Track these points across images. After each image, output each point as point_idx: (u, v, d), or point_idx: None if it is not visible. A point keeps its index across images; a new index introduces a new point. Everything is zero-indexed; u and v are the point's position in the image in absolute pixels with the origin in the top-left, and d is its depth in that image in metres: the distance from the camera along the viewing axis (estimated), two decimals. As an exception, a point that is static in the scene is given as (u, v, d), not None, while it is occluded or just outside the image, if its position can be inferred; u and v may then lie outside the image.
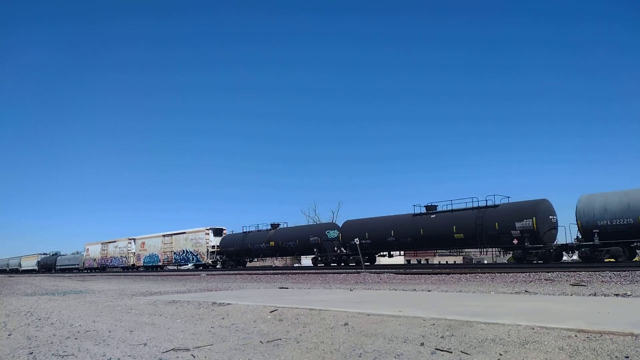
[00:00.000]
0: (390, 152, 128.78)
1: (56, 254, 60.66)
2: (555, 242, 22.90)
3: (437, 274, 16.56)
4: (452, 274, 15.98)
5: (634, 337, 4.00)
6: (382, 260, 32.66)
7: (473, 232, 23.62)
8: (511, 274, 14.73)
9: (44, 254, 63.46)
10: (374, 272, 19.31)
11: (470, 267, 21.10)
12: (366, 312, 6.14)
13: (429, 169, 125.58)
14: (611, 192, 21.02)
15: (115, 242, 48.20)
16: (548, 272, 14.37)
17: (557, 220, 23.13)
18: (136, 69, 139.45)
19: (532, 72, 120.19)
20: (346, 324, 5.52)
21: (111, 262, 47.79)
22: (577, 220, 21.45)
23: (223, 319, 6.71)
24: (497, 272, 15.76)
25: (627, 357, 3.59)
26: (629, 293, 8.25)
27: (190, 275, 28.44)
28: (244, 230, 36.23)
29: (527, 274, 14.43)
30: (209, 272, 30.69)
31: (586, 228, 20.92)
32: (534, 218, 21.71)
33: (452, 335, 4.58)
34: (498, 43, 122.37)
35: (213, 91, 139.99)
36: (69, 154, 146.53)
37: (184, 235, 39.59)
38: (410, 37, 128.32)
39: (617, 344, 3.87)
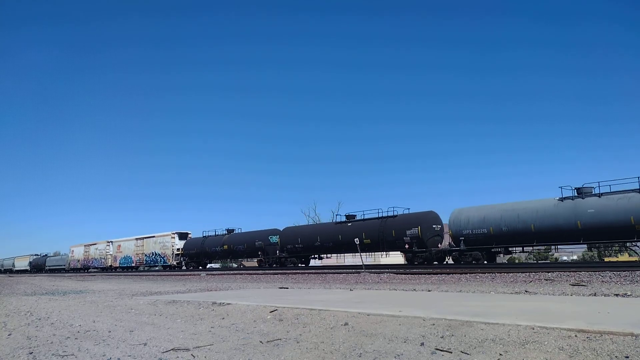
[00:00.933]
0: (390, 152, 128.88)
1: (46, 255, 64.70)
2: (439, 247, 26.63)
3: (437, 274, 16.56)
4: (452, 274, 15.98)
5: (634, 337, 4.00)
6: (314, 262, 36.40)
7: (377, 239, 27.72)
8: (511, 274, 14.72)
9: (35, 255, 66.90)
10: (374, 272, 19.32)
11: (470, 267, 21.12)
12: (366, 312, 6.14)
13: (429, 169, 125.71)
14: (473, 207, 24.83)
15: (95, 244, 51.71)
16: (548, 272, 14.37)
17: (441, 229, 27.08)
18: (136, 69, 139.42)
19: (532, 72, 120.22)
20: (346, 323, 5.52)
21: (92, 263, 51.58)
22: (449, 230, 25.37)
23: (223, 319, 6.71)
24: (497, 272, 15.76)
25: (627, 357, 3.58)
26: (629, 293, 8.24)
27: (190, 275, 28.45)
28: (204, 235, 39.79)
29: (527, 274, 14.43)
30: (209, 272, 30.75)
31: (455, 236, 24.75)
32: (419, 227, 25.80)
33: (452, 335, 4.58)
34: (498, 43, 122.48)
35: (213, 91, 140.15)
36: (69, 154, 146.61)
37: (153, 239, 43.47)
38: (410, 37, 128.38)
39: (617, 344, 3.87)
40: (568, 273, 13.86)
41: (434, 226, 26.53)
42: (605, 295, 8.00)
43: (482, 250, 23.72)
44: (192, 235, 42.44)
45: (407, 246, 25.96)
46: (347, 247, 29.15)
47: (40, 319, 7.90)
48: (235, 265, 42.42)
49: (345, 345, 4.59)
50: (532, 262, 42.96)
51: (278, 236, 33.52)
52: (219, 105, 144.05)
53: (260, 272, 26.54)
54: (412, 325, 5.18)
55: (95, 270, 50.07)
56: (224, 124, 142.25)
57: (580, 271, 14.25)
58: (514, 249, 24.22)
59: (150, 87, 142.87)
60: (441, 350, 4.11)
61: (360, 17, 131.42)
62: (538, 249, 28.17)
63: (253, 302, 8.05)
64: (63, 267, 57.18)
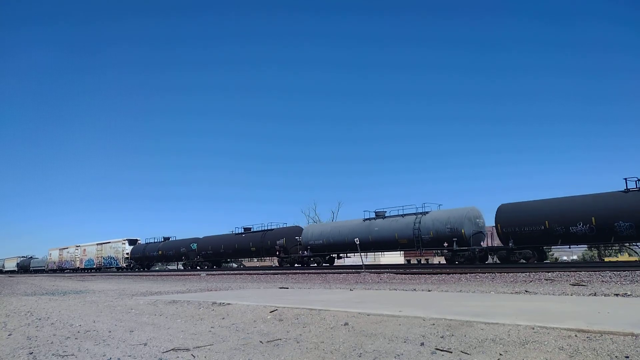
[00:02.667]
0: (390, 152, 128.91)
1: (31, 257, 71.10)
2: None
3: (437, 274, 16.57)
4: (452, 274, 15.98)
5: (634, 337, 4.00)
6: (225, 264, 42.83)
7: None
8: (511, 274, 14.73)
9: (22, 257, 73.41)
10: (374, 272, 19.32)
11: (470, 267, 21.12)
12: (366, 312, 6.14)
13: (428, 169, 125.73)
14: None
15: (67, 248, 58.08)
16: (548, 272, 14.37)
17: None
18: (136, 69, 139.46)
19: (532, 72, 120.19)
20: (346, 323, 5.52)
21: (64, 264, 57.61)
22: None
23: (223, 319, 6.71)
24: (497, 272, 15.76)
25: (627, 357, 3.58)
26: (629, 293, 8.25)
27: (190, 275, 28.47)
28: (147, 242, 47.07)
29: (527, 274, 14.43)
30: (209, 272, 30.77)
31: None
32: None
33: (452, 335, 4.58)
34: (498, 43, 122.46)
35: (213, 91, 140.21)
36: (68, 154, 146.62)
37: (109, 244, 50.25)
38: (411, 37, 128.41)
39: (617, 344, 3.87)
40: (568, 273, 13.86)
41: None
42: (605, 295, 8.00)
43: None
44: (141, 241, 49.28)
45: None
46: (258, 253, 35.41)
47: (40, 319, 7.90)
48: (235, 265, 43.99)
49: (346, 345, 4.59)
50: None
51: (196, 244, 40.37)
52: (219, 105, 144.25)
53: (260, 272, 26.55)
54: (412, 325, 5.18)
55: (69, 271, 55.31)
56: (224, 124, 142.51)
57: (580, 271, 14.26)
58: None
59: (150, 87, 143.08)
60: (441, 350, 4.11)
61: (360, 17, 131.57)
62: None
63: (253, 302, 8.05)
64: (43, 268, 62.79)
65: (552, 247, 23.35)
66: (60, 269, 57.49)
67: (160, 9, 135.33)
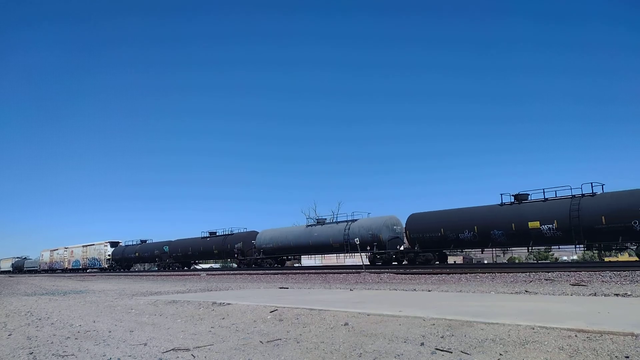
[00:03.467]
0: (391, 152, 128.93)
1: (25, 258, 74.05)
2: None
3: (437, 274, 16.57)
4: (452, 274, 15.98)
5: (634, 337, 3.99)
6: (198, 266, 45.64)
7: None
8: (511, 274, 14.73)
9: (17, 257, 76.43)
10: (374, 272, 19.32)
11: (470, 267, 21.12)
12: (366, 312, 6.14)
13: (429, 168, 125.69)
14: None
15: (57, 250, 61.20)
16: (548, 272, 14.37)
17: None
18: (136, 69, 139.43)
19: (532, 72, 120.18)
20: (346, 324, 5.52)
21: (54, 265, 60.59)
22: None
23: (223, 319, 6.71)
24: (497, 272, 15.76)
25: (627, 357, 3.58)
26: (629, 293, 8.24)
27: (190, 275, 28.48)
28: (126, 244, 50.50)
29: (527, 274, 14.43)
30: (209, 272, 30.81)
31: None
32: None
33: (452, 335, 4.58)
34: (498, 43, 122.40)
35: (213, 91, 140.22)
36: (65, 155, 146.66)
37: (93, 246, 54.03)
38: (411, 37, 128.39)
39: (617, 344, 3.87)
40: (568, 273, 13.86)
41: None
42: (605, 295, 8.00)
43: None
44: (122, 243, 52.70)
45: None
46: (220, 255, 39.71)
47: (40, 319, 7.90)
48: (235, 265, 44.45)
49: (346, 345, 4.59)
50: (532, 262, 42.99)
51: (168, 247, 43.85)
52: (219, 105, 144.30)
53: (260, 272, 26.55)
54: (412, 325, 5.18)
55: (59, 271, 58.20)
56: (223, 124, 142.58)
57: (581, 271, 14.25)
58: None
59: (150, 87, 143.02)
60: (441, 350, 4.11)
61: (361, 18, 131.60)
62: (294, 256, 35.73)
63: (253, 302, 8.05)
64: (36, 268, 65.56)
65: (448, 250, 26.33)
66: (52, 269, 60.54)
67: (161, 9, 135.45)
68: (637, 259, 19.35)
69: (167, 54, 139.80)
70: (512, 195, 23.02)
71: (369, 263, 27.89)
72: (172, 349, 4.88)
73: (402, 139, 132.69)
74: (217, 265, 51.46)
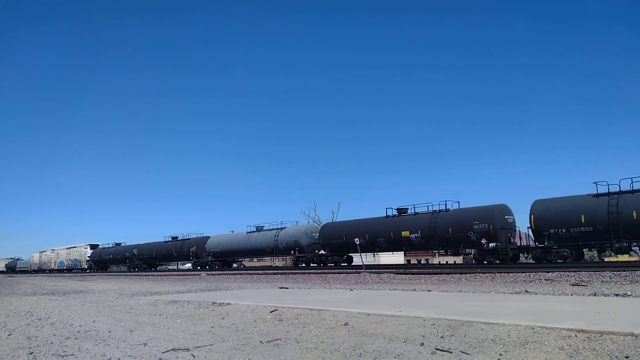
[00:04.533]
0: (391, 152, 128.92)
1: (17, 259, 77.77)
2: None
3: (437, 274, 16.57)
4: (452, 274, 15.98)
5: (634, 337, 3.99)
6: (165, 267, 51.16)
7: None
8: (511, 274, 14.73)
9: (10, 258, 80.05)
10: (374, 272, 19.32)
11: (470, 267, 21.13)
12: (366, 312, 6.14)
13: (429, 168, 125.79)
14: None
15: (45, 251, 64.99)
16: (548, 272, 14.37)
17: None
18: (136, 69, 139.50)
19: (532, 72, 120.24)
20: (346, 323, 5.52)
21: (43, 266, 64.21)
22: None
23: (223, 319, 6.71)
24: (497, 272, 15.77)
25: (627, 357, 3.58)
26: (629, 293, 8.24)
27: (190, 275, 28.49)
28: (103, 247, 55.42)
29: (527, 274, 14.43)
30: (209, 272, 30.84)
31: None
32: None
33: (452, 335, 4.58)
34: (498, 43, 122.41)
35: (212, 91, 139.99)
36: (66, 154, 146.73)
37: (75, 248, 58.53)
38: (411, 37, 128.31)
39: (617, 344, 3.87)
40: (568, 273, 13.86)
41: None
42: (605, 295, 8.00)
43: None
44: (101, 245, 57.48)
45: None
46: (178, 257, 44.29)
47: (40, 319, 7.90)
48: (235, 265, 45.02)
49: (346, 345, 4.59)
50: (531, 262, 42.93)
51: (137, 249, 47.97)
52: (219, 105, 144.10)
53: (260, 272, 26.58)
54: (412, 325, 5.18)
55: (47, 271, 61.35)
56: (223, 124, 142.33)
57: (581, 271, 14.25)
58: None
59: (150, 87, 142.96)
60: (441, 350, 4.11)
61: (361, 18, 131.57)
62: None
63: (253, 302, 8.05)
64: (27, 268, 69.05)
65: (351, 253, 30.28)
66: (41, 270, 64.06)
67: (161, 9, 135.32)
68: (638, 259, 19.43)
69: (167, 54, 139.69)
70: (395, 209, 27.82)
71: (292, 264, 33.48)
72: (172, 349, 4.88)
73: (402, 139, 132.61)
74: (174, 267, 54.91)
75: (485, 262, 22.99)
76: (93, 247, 56.20)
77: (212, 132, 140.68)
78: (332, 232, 30.70)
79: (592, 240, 20.35)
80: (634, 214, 18.82)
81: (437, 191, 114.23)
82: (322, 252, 30.83)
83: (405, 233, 26.02)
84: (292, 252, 32.47)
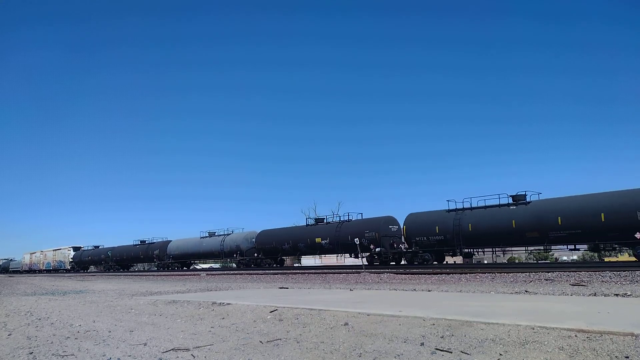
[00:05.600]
0: (391, 152, 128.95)
1: (10, 259, 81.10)
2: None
3: (437, 274, 16.57)
4: (452, 274, 15.98)
5: (634, 337, 3.99)
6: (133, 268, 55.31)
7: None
8: (511, 274, 14.73)
9: (4, 259, 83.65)
10: (374, 272, 19.32)
11: (470, 267, 21.14)
12: (366, 312, 6.14)
13: (429, 168, 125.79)
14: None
15: (35, 253, 69.15)
16: (548, 272, 14.37)
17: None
18: (136, 69, 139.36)
19: (532, 72, 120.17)
20: (346, 323, 5.52)
21: (33, 266, 68.23)
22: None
23: (223, 319, 6.71)
24: (497, 272, 15.76)
25: (627, 357, 3.58)
26: (629, 293, 8.24)
27: (190, 275, 28.49)
28: (84, 249, 59.74)
29: (527, 274, 14.43)
30: (209, 272, 30.89)
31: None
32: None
33: (452, 335, 4.58)
34: (498, 43, 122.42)
35: (212, 91, 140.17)
36: (66, 155, 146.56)
37: (60, 250, 63.03)
38: (411, 37, 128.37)
39: (617, 344, 3.87)
40: (568, 273, 13.86)
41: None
42: (605, 295, 8.00)
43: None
44: (84, 247, 61.58)
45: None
46: (143, 259, 49.11)
47: (40, 319, 7.90)
48: (234, 265, 45.75)
49: (346, 345, 4.59)
50: (532, 262, 43.02)
51: (111, 252, 52.57)
52: (219, 105, 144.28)
53: (260, 272, 26.58)
54: (412, 325, 5.18)
55: (37, 271, 65.17)
56: (223, 124, 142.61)
57: (580, 271, 14.25)
58: None
59: (150, 87, 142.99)
60: (441, 350, 4.11)
61: (361, 18, 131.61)
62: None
63: (253, 302, 8.05)
64: (19, 269, 72.80)
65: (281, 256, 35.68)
66: (31, 270, 67.98)
67: (160, 9, 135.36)
68: (637, 259, 19.47)
69: (167, 54, 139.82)
70: (314, 219, 33.28)
71: (235, 266, 39.05)
72: (172, 349, 4.88)
73: (402, 139, 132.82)
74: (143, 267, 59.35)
75: (374, 263, 28.19)
76: (76, 249, 60.66)
77: (212, 132, 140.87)
78: (265, 239, 35.39)
79: (444, 247, 25.18)
80: (470, 227, 23.85)
81: (437, 191, 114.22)
82: (257, 255, 35.89)
83: (318, 239, 31.22)
84: (234, 255, 37.51)
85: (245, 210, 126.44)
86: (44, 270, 64.42)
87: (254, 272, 27.41)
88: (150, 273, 36.87)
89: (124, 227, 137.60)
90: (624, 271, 13.29)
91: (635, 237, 18.86)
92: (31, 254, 70.29)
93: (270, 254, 35.02)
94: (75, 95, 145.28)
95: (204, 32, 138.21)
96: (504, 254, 28.31)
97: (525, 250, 25.12)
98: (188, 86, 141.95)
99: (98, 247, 57.87)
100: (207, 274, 27.79)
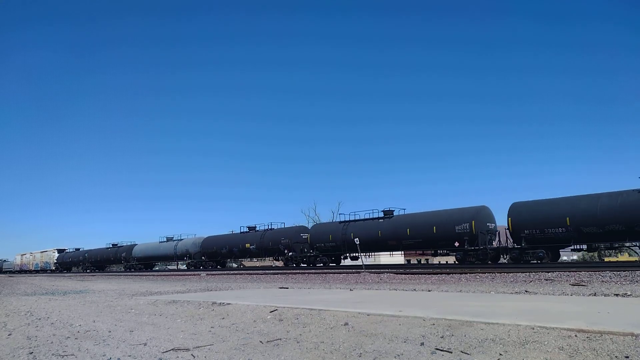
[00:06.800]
0: (391, 152, 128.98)
1: (4, 260, 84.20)
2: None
3: (437, 274, 16.57)
4: (452, 274, 15.98)
5: (634, 337, 3.99)
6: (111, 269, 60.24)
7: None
8: (511, 274, 14.73)
9: None
10: (374, 272, 19.32)
11: (470, 267, 21.15)
12: (366, 312, 6.14)
13: (429, 168, 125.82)
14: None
15: (25, 254, 74.17)
16: (548, 272, 14.37)
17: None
18: (136, 69, 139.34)
19: (532, 72, 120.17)
20: (346, 323, 5.52)
21: (23, 267, 72.85)
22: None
23: (223, 319, 6.71)
24: (497, 272, 15.76)
25: (627, 357, 3.58)
26: (629, 293, 8.24)
27: (190, 275, 28.49)
28: (66, 252, 64.25)
29: (527, 274, 14.43)
30: (209, 272, 30.85)
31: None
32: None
33: (452, 335, 4.58)
34: (498, 43, 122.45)
35: (212, 91, 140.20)
36: (68, 154, 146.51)
37: (46, 252, 67.95)
38: (411, 37, 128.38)
39: (617, 344, 3.87)
40: (568, 273, 13.86)
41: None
42: (605, 295, 8.00)
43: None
44: (68, 249, 66.41)
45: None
46: (114, 261, 54.79)
47: (40, 319, 7.90)
48: (235, 265, 46.43)
49: (346, 345, 4.59)
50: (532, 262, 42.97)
51: (87, 254, 58.32)
52: (219, 105, 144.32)
53: (260, 272, 26.58)
54: (412, 325, 5.18)
55: (28, 272, 68.79)
56: (223, 124, 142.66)
57: (580, 271, 14.26)
58: None
59: (150, 87, 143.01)
60: (441, 350, 4.11)
61: (361, 18, 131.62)
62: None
63: (253, 302, 8.05)
64: (11, 269, 76.58)
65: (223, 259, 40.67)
66: (22, 270, 72.31)
67: (160, 9, 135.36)
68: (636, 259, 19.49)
69: (167, 54, 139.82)
70: (247, 227, 38.72)
71: (185, 267, 43.64)
72: (172, 349, 4.88)
73: (402, 139, 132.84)
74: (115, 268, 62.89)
75: (289, 264, 33.24)
76: (60, 251, 65.99)
77: (212, 132, 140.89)
78: (209, 244, 40.74)
79: (337, 251, 30.85)
80: (352, 235, 28.71)
81: (437, 191, 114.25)
82: (203, 258, 40.79)
83: (247, 245, 36.93)
84: (184, 258, 42.74)
85: (245, 210, 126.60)
86: (33, 270, 69.07)
87: (254, 272, 27.43)
88: (151, 273, 37.71)
89: (124, 227, 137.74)
90: (624, 271, 13.30)
91: (454, 245, 24.69)
92: (22, 255, 75.69)
93: (212, 257, 40.27)
94: (75, 95, 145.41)
95: (204, 32, 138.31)
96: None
97: (390, 254, 32.62)
98: (188, 86, 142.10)
99: (79, 249, 63.26)
100: (207, 274, 27.78)
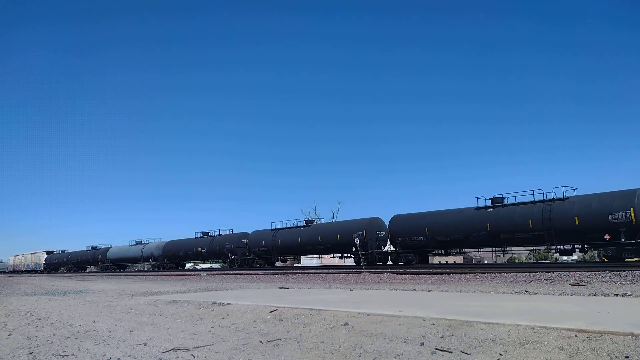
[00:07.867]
0: (391, 152, 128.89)
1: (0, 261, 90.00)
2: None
3: (437, 274, 16.57)
4: (452, 274, 15.98)
5: (634, 337, 3.99)
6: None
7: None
8: (511, 274, 14.73)
9: None
10: (374, 272, 19.32)
11: (470, 267, 21.17)
12: (366, 312, 6.14)
13: (429, 168, 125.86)
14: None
15: (18, 255, 77.98)
16: (548, 272, 14.37)
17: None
18: (136, 69, 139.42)
19: (532, 72, 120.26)
20: (346, 323, 5.52)
21: (16, 267, 76.39)
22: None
23: (223, 319, 6.71)
24: (497, 272, 15.77)
25: (627, 357, 3.58)
26: (629, 293, 8.24)
27: (190, 275, 28.50)
28: (54, 253, 68.09)
29: (527, 274, 14.43)
30: (209, 272, 30.91)
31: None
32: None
33: (452, 335, 4.58)
34: (498, 43, 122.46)
35: (213, 91, 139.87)
36: (68, 154, 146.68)
37: (36, 254, 71.43)
38: (410, 37, 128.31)
39: (617, 344, 3.87)
40: (568, 273, 13.86)
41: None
42: (605, 295, 8.00)
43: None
44: (56, 251, 69.93)
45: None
46: (92, 262, 59.10)
47: (40, 319, 7.90)
48: (150, 268, 52.61)
49: (346, 345, 4.59)
50: (533, 262, 43.06)
51: (70, 255, 62.11)
52: (219, 105, 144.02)
53: (260, 272, 26.59)
54: (412, 325, 5.18)
55: (19, 272, 71.93)
56: (223, 124, 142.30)
57: (580, 271, 14.25)
58: None
59: (150, 87, 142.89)
60: (441, 350, 4.11)
61: (361, 18, 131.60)
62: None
63: (253, 302, 8.05)
64: (5, 269, 79.83)
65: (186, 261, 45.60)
66: (15, 271, 75.40)
67: (160, 9, 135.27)
68: (638, 259, 19.51)
69: (167, 54, 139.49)
70: (201, 233, 41.88)
71: (150, 268, 46.77)
72: (172, 349, 4.88)
73: (402, 139, 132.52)
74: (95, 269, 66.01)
75: (233, 266, 36.99)
76: (49, 253, 69.75)
77: (212, 132, 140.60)
78: (170, 247, 44.46)
79: (268, 255, 34.89)
80: (279, 242, 33.58)
81: (437, 191, 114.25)
82: (165, 260, 44.61)
83: (200, 249, 40.93)
84: (150, 260, 46.63)
85: (245, 210, 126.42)
86: (25, 270, 72.95)
87: (254, 272, 27.45)
88: (151, 273, 38.01)
89: (124, 227, 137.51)
90: (624, 271, 13.30)
91: (352, 250, 28.26)
92: (15, 256, 79.90)
93: (172, 260, 44.36)
94: (75, 95, 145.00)
95: (204, 32, 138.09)
96: (322, 260, 41.42)
97: (309, 257, 37.49)
98: (188, 86, 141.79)
99: (64, 251, 67.54)
100: (207, 274, 27.80)
